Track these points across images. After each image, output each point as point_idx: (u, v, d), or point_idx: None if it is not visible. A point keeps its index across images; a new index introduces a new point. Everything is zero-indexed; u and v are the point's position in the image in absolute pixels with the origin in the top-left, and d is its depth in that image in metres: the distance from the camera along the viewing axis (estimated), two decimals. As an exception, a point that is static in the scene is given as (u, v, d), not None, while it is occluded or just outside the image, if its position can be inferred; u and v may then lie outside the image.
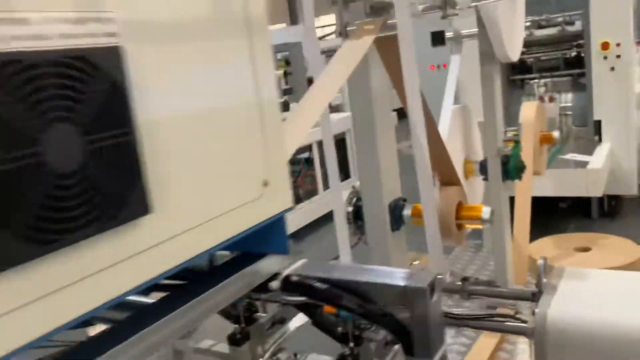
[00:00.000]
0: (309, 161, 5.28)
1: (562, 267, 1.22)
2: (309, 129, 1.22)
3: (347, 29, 1.57)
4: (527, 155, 3.03)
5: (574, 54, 4.51)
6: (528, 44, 4.72)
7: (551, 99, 4.54)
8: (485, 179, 2.67)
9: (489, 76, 2.54)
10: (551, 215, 4.60)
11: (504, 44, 2.34)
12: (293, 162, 5.21)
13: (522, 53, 4.89)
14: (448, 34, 2.83)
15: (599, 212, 4.49)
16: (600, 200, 4.45)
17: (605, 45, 4.13)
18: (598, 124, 4.33)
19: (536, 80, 4.68)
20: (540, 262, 1.21)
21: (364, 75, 1.80)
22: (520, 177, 2.65)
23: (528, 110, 3.15)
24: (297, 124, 1.27)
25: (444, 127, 2.56)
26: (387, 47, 1.52)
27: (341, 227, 1.73)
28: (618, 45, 4.10)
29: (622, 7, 4.08)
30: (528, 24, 4.66)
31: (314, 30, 1.60)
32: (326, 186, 5.44)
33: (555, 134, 3.18)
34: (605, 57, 4.18)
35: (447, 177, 2.00)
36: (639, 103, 4.50)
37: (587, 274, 1.23)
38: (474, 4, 1.96)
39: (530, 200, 3.01)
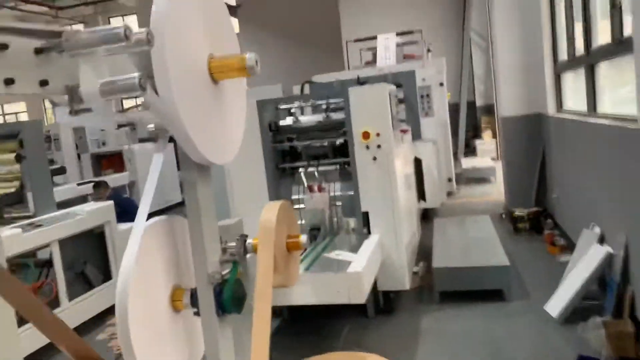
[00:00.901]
0: (46, 265, 4.26)
1: None
2: None
3: None
4: (267, 268, 2.51)
5: (340, 141, 4.29)
6: (295, 131, 4.44)
7: (320, 189, 4.22)
8: (198, 314, 2.05)
9: (189, 182, 1.97)
10: (327, 313, 4.19)
11: (196, 146, 1.79)
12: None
13: (291, 140, 4.62)
14: (149, 127, 2.23)
15: (376, 309, 4.18)
16: (376, 296, 4.15)
17: (366, 135, 3.95)
18: (366, 215, 4.09)
19: (306, 169, 4.35)
20: None
21: None
22: (240, 310, 2.08)
23: (269, 213, 2.66)
24: None
25: (132, 246, 1.90)
26: None
27: None
28: (378, 135, 3.95)
29: (379, 97, 3.97)
30: (294, 110, 4.38)
31: None
32: (73, 295, 4.43)
33: (303, 238, 2.72)
34: (367, 147, 3.99)
35: (73, 349, 1.31)
36: (408, 186, 4.40)
37: None
38: (108, 98, 1.37)
39: (269, 325, 2.46)
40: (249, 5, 19.11)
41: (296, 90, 7.87)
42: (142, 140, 11.23)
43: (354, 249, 3.80)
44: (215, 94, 1.96)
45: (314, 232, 4.14)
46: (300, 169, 4.31)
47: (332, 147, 4.35)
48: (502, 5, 6.58)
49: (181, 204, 8.86)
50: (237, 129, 2.17)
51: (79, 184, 7.72)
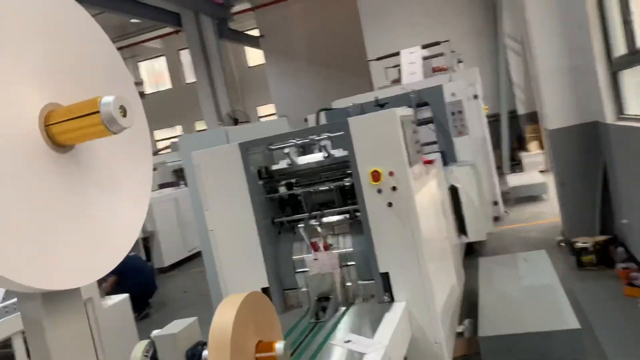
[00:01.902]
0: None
1: None
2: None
3: None
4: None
5: (348, 184, 3.45)
6: (293, 175, 3.63)
7: (326, 246, 3.37)
8: None
9: (30, 320, 1.17)
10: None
11: (6, 277, 0.99)
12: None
13: (291, 186, 3.82)
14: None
15: (410, 395, 3.26)
16: (408, 378, 3.24)
17: (375, 176, 3.10)
18: (386, 277, 3.21)
19: (307, 222, 3.50)
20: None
21: None
22: None
23: (223, 315, 1.82)
24: None
25: None
26: None
27: None
28: (391, 174, 3.08)
29: (388, 127, 3.11)
30: (287, 150, 3.57)
31: None
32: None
33: (279, 348, 1.88)
34: (379, 191, 3.13)
35: None
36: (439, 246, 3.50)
37: None
38: None
39: None
40: (272, 36, 18.69)
41: (311, 119, 7.11)
42: (162, 186, 10.70)
43: (373, 325, 2.92)
44: (63, 168, 1.17)
45: (323, 304, 3.28)
46: (301, 223, 3.48)
47: (340, 191, 3.51)
48: (536, 1, 5.65)
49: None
50: (124, 219, 1.36)
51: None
